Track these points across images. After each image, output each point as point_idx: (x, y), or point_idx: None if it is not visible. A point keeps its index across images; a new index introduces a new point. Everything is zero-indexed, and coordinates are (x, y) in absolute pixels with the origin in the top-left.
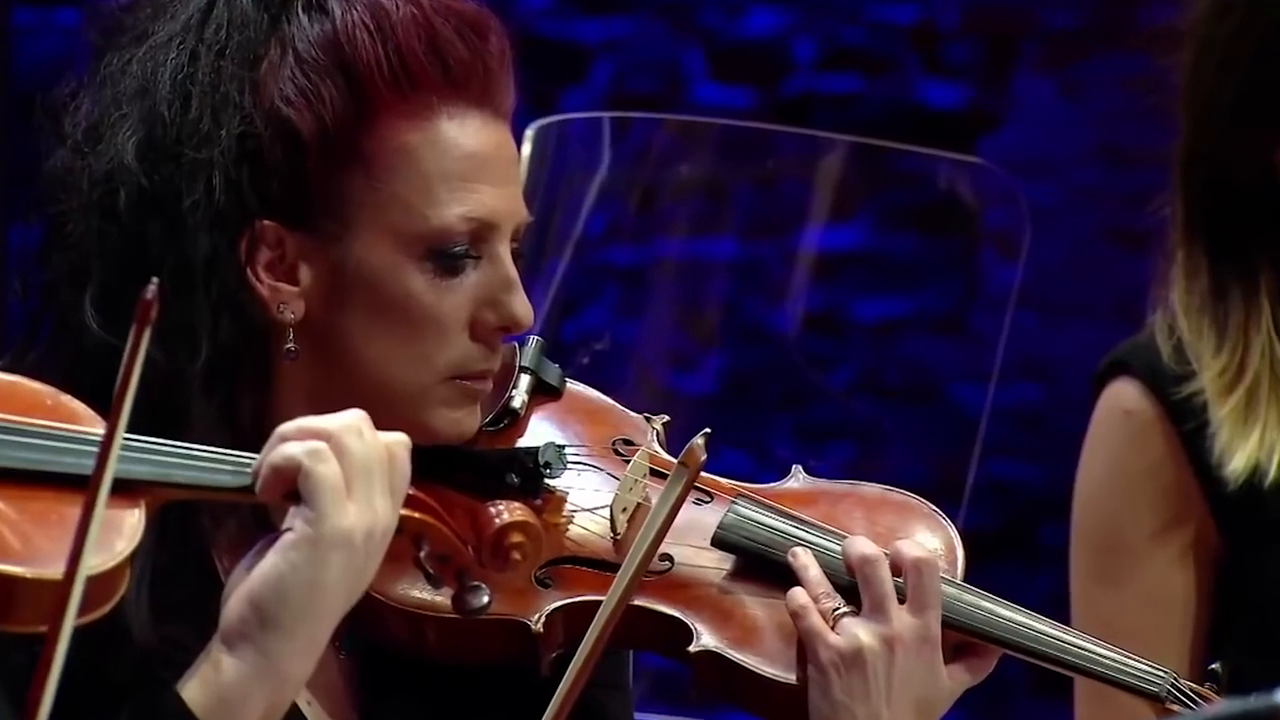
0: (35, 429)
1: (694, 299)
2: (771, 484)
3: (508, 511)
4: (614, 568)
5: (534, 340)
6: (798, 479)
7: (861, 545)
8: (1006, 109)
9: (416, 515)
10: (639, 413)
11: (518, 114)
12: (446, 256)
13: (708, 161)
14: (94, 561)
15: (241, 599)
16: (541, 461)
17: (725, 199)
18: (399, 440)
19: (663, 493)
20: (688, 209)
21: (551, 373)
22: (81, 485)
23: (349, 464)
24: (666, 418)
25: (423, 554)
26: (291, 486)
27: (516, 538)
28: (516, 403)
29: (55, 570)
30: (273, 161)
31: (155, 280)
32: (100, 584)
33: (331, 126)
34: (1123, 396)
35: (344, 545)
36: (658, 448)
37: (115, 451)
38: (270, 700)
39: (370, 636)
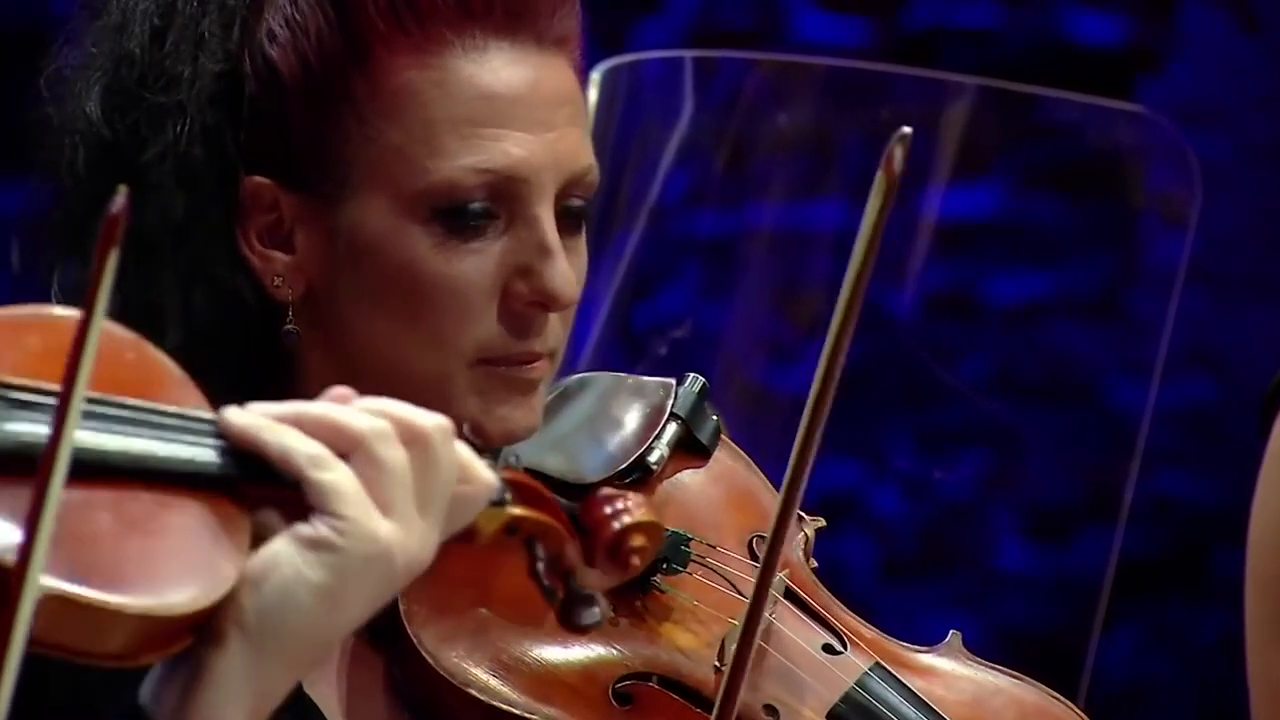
0: (162, 413)
1: (793, 277)
2: (920, 649)
3: (629, 512)
4: (708, 705)
5: (696, 381)
6: (950, 651)
7: None
8: (1173, 46)
9: (531, 515)
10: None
11: (582, 54)
12: (456, 215)
13: (811, 110)
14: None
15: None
16: (660, 555)
17: (832, 155)
18: (439, 424)
19: (864, 218)
20: (786, 168)
21: (707, 428)
22: (196, 485)
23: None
24: (823, 522)
25: (540, 564)
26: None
27: (638, 541)
28: (654, 456)
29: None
30: (252, 109)
31: (124, 190)
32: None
33: (316, 67)
34: None
35: (380, 559)
36: (800, 557)
37: (74, 418)
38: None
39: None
